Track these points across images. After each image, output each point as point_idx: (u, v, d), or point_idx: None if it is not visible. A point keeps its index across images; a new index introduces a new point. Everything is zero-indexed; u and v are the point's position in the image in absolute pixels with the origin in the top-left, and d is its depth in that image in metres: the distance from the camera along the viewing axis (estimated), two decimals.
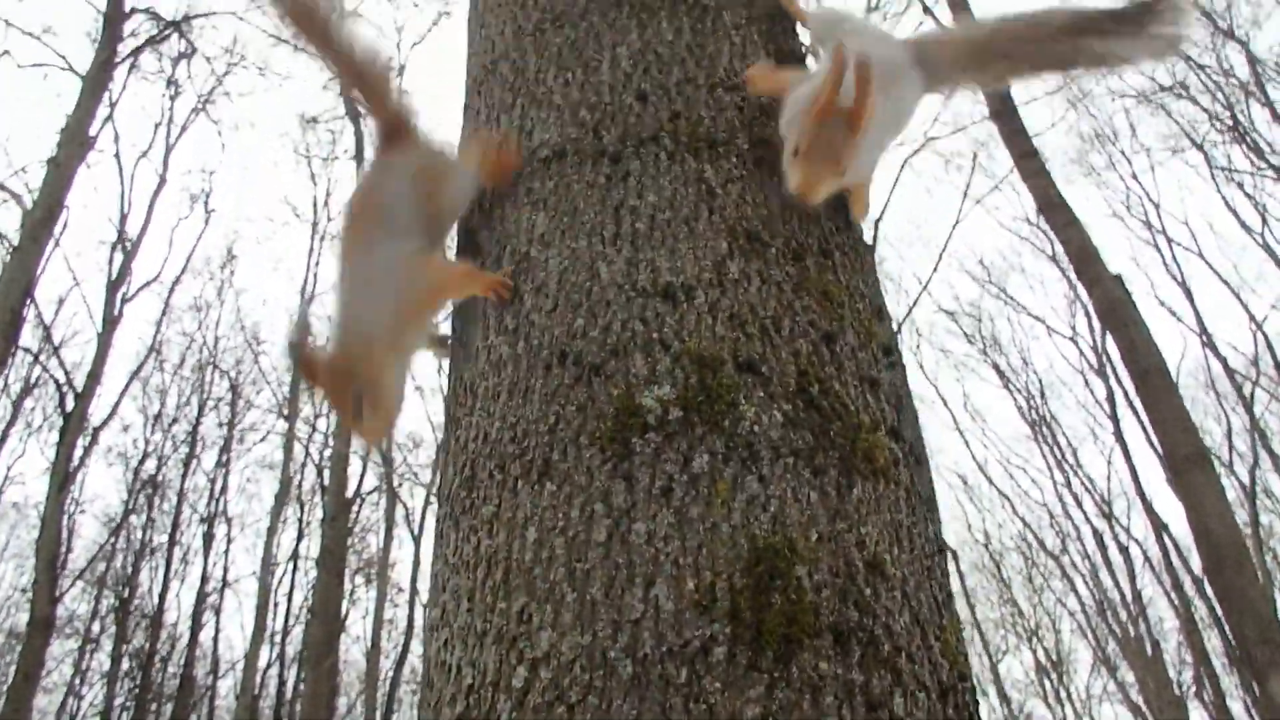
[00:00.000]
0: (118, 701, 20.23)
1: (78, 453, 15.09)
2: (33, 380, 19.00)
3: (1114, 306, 8.23)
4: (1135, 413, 17.92)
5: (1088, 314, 20.65)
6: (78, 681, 20.78)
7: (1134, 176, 21.34)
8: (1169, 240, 20.96)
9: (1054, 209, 8.91)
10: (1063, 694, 24.38)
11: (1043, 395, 23.64)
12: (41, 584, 12.06)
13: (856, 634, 1.22)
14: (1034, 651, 25.00)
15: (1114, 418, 20.33)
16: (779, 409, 1.38)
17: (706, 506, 1.27)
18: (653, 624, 1.19)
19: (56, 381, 15.34)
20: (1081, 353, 22.47)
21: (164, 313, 18.87)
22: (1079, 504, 22.78)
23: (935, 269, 19.34)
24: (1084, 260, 8.59)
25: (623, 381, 1.39)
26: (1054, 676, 24.57)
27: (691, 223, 1.58)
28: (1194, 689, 20.88)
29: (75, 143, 11.34)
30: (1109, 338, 14.13)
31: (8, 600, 22.40)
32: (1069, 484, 22.81)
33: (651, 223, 1.58)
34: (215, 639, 21.50)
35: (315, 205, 20.00)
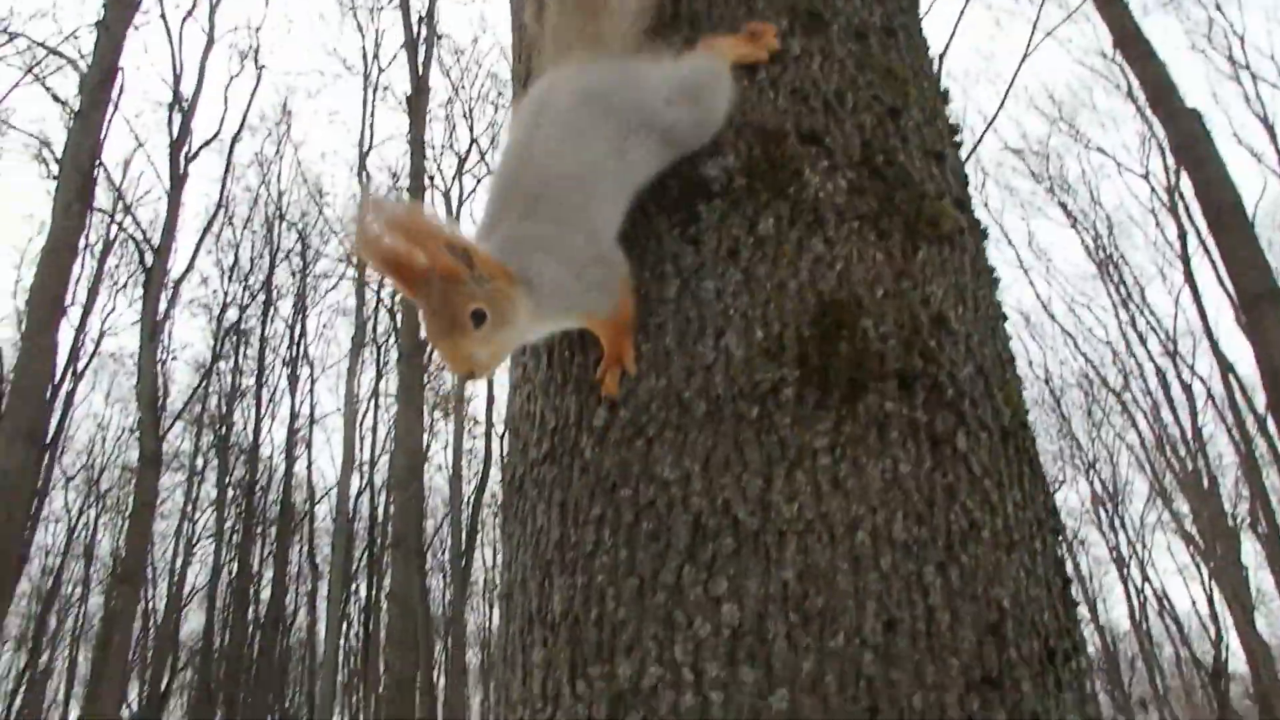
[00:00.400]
0: (227, 526, 22.00)
1: (162, 305, 15.76)
2: (112, 239, 19.69)
3: (1190, 142, 7.87)
4: (1207, 252, 17.35)
5: (1162, 151, 19.73)
6: (190, 509, 22.58)
7: (1217, 7, 19.73)
8: (1253, 75, 19.56)
9: (1130, 41, 8.42)
10: (1117, 523, 24.80)
11: (1111, 233, 22.90)
12: (146, 423, 12.91)
13: (921, 379, 1.28)
14: (1090, 483, 25.28)
15: (1184, 257, 19.73)
16: (843, 177, 1.40)
17: (773, 265, 1.33)
18: (724, 368, 1.27)
19: (134, 239, 15.87)
20: (1154, 190, 21.60)
21: (227, 169, 19.14)
22: (1143, 342, 22.47)
23: (1002, 103, 18.36)
24: (1160, 94, 8.17)
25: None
26: (1109, 506, 24.94)
27: (751, 3, 1.58)
28: (1248, 521, 21.01)
29: (121, 5, 11.31)
30: (1183, 175, 13.50)
31: (119, 440, 24.10)
32: (1134, 322, 22.45)
33: (710, 4, 1.58)
34: (309, 469, 23.18)
35: (365, 56, 19.85)
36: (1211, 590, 22.13)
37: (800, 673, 1.14)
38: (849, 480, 1.21)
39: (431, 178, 18.68)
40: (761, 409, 1.24)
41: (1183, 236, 19.84)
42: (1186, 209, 19.45)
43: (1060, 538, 1.43)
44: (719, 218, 1.36)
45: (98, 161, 11.55)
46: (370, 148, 18.32)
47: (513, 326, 1.23)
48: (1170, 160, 18.98)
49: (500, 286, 1.21)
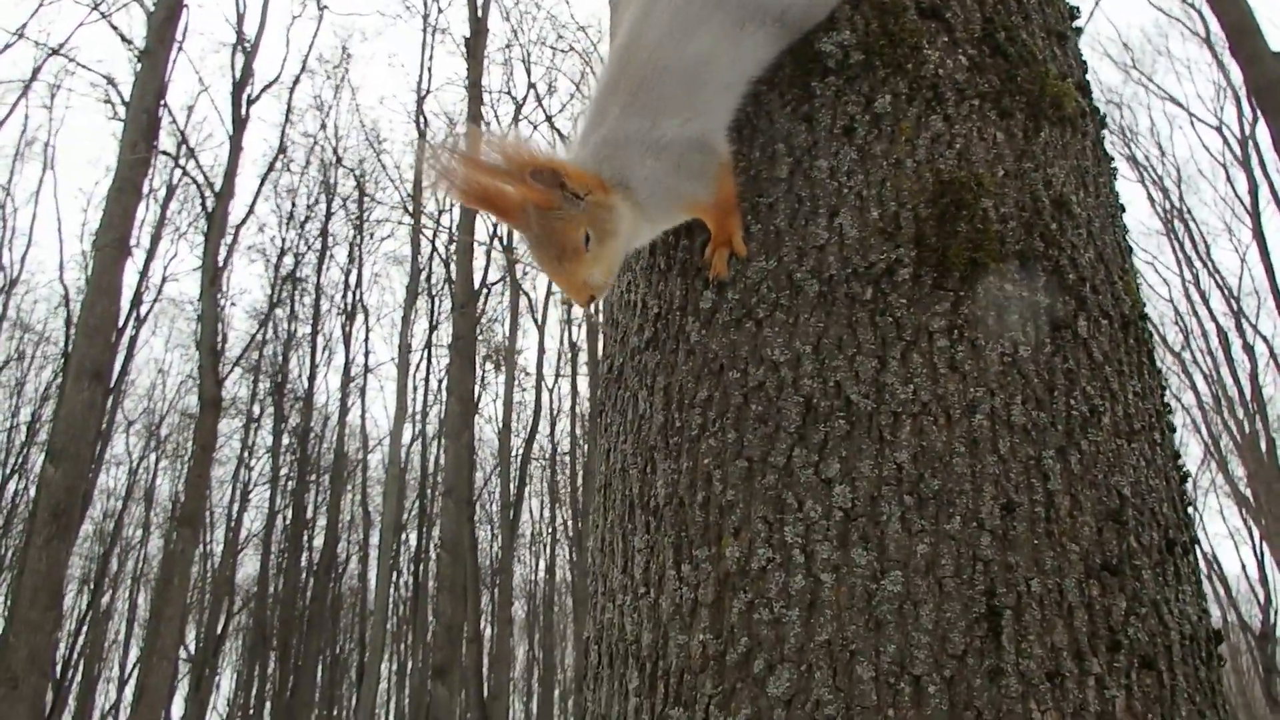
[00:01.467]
0: (282, 473, 22.54)
1: (222, 251, 15.98)
2: (174, 184, 19.97)
3: (1270, 87, 7.52)
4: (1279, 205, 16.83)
5: (1237, 101, 19.09)
6: (246, 455, 23.14)
7: None
8: None
9: None
10: None
11: (1179, 186, 22.32)
12: (206, 368, 13.16)
13: (1042, 262, 1.24)
14: None
15: (1254, 212, 19.12)
16: (964, 53, 1.35)
17: (890, 144, 1.28)
18: (838, 249, 1.23)
19: (196, 183, 16.08)
20: (1226, 142, 20.89)
21: (287, 114, 19.24)
22: (1205, 301, 21.92)
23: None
24: (1241, 35, 7.79)
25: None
26: None
27: None
28: None
29: None
30: (1260, 125, 13.02)
31: (180, 385, 24.72)
32: (1197, 281, 21.92)
33: None
34: (363, 418, 23.68)
35: None
36: (1263, 554, 21.76)
37: (915, 555, 1.11)
38: (966, 362, 1.18)
39: (489, 124, 18.60)
40: (876, 289, 1.20)
41: (1254, 190, 19.30)
42: (1260, 160, 18.97)
43: (1175, 433, 1.38)
44: (834, 94, 1.31)
45: (162, 102, 11.65)
46: (428, 92, 18.24)
47: (618, 236, 1.22)
48: (1246, 109, 18.44)
49: (597, 199, 1.19)
